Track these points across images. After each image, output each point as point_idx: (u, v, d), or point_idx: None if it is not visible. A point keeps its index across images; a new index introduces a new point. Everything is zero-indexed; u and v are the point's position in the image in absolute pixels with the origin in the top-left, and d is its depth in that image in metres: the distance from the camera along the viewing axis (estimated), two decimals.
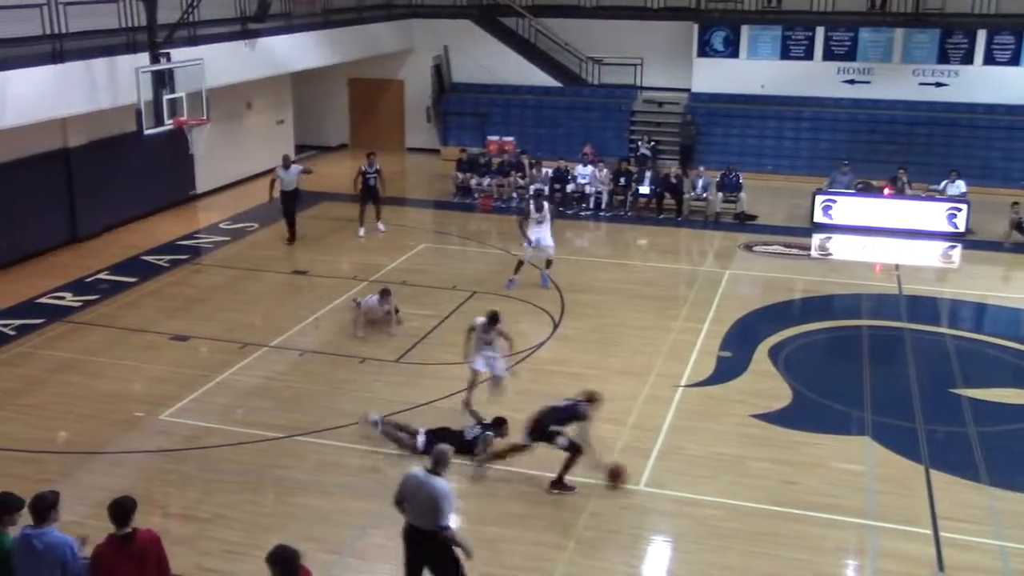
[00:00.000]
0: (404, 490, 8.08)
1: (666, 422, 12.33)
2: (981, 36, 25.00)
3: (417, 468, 8.20)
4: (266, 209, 20.65)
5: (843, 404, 12.91)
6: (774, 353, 14.60)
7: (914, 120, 25.24)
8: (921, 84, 25.56)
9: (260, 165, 24.53)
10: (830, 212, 21.53)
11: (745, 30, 26.67)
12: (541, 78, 28.04)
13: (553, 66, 28.45)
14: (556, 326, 15.55)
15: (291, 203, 19.80)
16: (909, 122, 25.24)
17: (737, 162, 23.73)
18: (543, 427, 10.51)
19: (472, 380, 12.33)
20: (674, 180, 22.63)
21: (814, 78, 26.22)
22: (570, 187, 23.19)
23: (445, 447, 8.21)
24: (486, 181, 23.76)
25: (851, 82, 26.07)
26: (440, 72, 28.77)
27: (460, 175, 24.00)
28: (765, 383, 13.55)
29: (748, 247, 20.25)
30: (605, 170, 23.14)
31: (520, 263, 17.22)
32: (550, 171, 23.52)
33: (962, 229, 20.85)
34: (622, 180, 22.91)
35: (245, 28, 21.25)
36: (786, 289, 17.78)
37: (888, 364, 14.47)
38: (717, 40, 26.91)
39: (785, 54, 26.50)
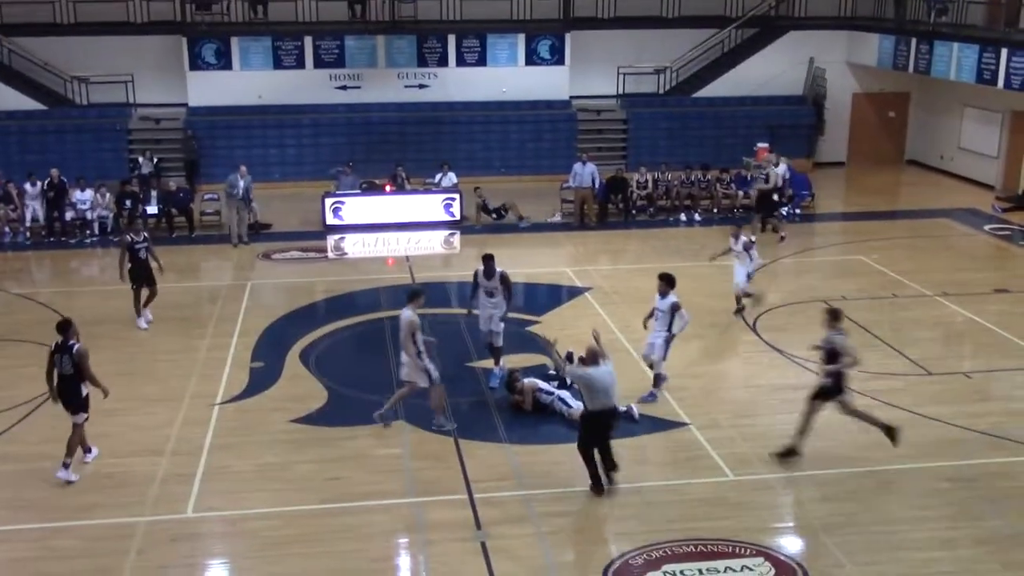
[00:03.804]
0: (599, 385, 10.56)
1: (206, 443, 12.21)
2: (451, 40, 27.36)
3: (591, 368, 10.65)
4: None
5: (376, 393, 13.59)
6: (305, 356, 15.01)
7: (404, 120, 27.04)
8: (406, 87, 27.44)
9: None
10: (340, 213, 22.45)
11: (235, 42, 26.76)
12: (22, 101, 25.97)
13: (34, 88, 26.45)
14: None
15: None
16: (400, 122, 27.00)
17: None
18: None
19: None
20: (181, 196, 22.17)
21: (308, 86, 27.01)
22: (69, 214, 21.77)
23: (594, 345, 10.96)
24: None
25: (343, 88, 27.24)
26: None
27: None
28: (300, 387, 13.91)
29: (267, 256, 20.50)
30: (108, 193, 22.03)
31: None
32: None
33: (457, 216, 22.84)
34: (127, 202, 21.95)
35: None
36: (308, 292, 18.29)
37: None
38: (208, 53, 26.69)
39: (278, 64, 27.00)
